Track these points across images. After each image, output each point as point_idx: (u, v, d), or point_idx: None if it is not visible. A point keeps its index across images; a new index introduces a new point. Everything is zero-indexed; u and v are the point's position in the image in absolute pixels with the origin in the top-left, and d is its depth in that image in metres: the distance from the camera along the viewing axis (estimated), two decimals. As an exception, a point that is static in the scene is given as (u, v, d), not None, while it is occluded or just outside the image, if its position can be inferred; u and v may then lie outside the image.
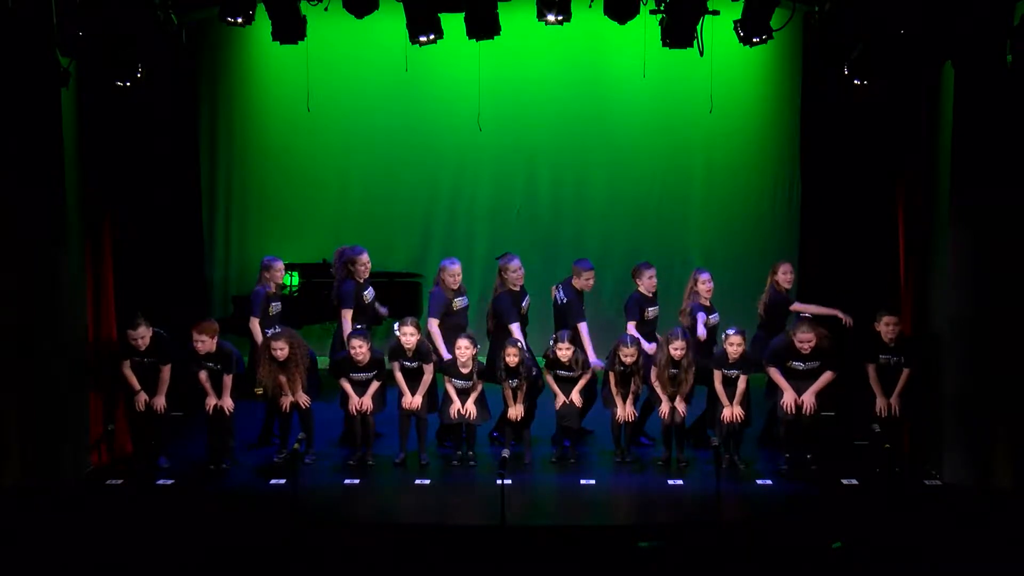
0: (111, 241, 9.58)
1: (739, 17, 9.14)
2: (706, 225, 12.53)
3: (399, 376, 9.32)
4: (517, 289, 9.71)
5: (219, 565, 7.59)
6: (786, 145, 12.35)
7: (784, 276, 9.77)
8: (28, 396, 8.76)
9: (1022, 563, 7.54)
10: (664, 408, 9.23)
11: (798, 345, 9.01)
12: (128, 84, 9.16)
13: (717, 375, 9.23)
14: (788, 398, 9.08)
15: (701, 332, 9.45)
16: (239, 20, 9.17)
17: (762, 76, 12.36)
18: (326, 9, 9.16)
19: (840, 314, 9.68)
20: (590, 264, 9.77)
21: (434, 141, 12.50)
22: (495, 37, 9.22)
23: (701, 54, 9.18)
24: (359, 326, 9.60)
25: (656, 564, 7.57)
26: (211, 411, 9.25)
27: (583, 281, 9.71)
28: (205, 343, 9.17)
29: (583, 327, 9.61)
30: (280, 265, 9.95)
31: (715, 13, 9.22)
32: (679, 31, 9.10)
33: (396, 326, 9.34)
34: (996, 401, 8.74)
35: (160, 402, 9.24)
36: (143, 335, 9.12)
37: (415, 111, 12.43)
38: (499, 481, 7.58)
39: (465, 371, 9.26)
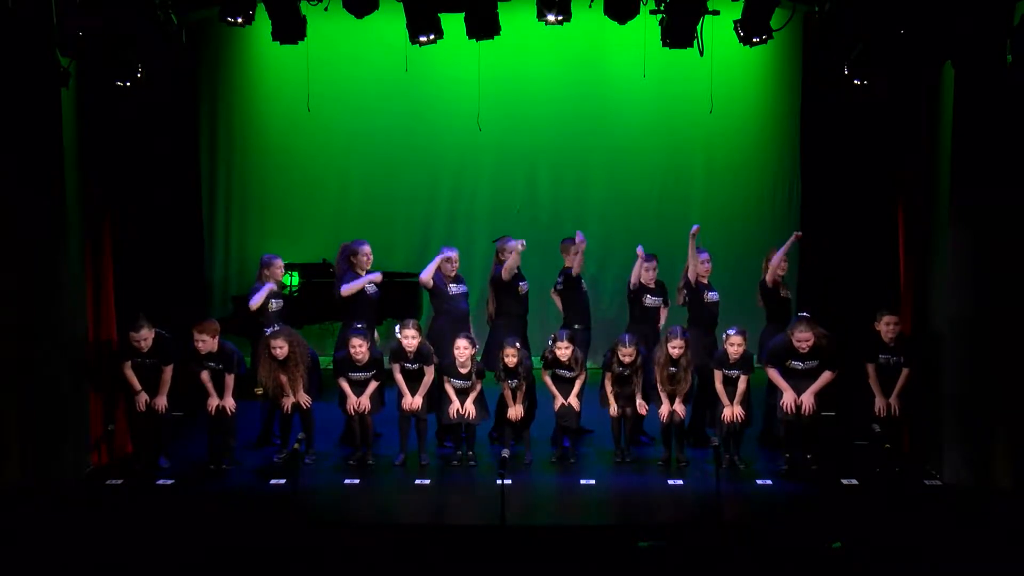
0: (111, 241, 9.58)
1: (739, 17, 9.14)
2: (706, 224, 12.39)
3: (399, 377, 9.32)
4: (516, 271, 9.87)
5: (219, 565, 7.58)
6: (786, 145, 12.37)
7: (780, 264, 9.76)
8: (28, 396, 8.75)
9: (1022, 563, 7.54)
10: (664, 409, 9.23)
11: (796, 344, 9.01)
12: (128, 84, 9.16)
13: (718, 375, 9.23)
14: (788, 398, 9.07)
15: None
16: (239, 20, 9.18)
17: (762, 76, 12.37)
18: (326, 9, 9.16)
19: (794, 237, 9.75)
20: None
21: (434, 141, 12.52)
22: (495, 37, 9.23)
23: (701, 54, 9.18)
24: (359, 325, 9.60)
25: (656, 564, 7.57)
26: (213, 411, 9.25)
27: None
28: (206, 342, 9.17)
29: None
30: (279, 262, 9.94)
31: (715, 13, 9.22)
32: (679, 31, 9.10)
33: (397, 328, 9.34)
34: (996, 401, 8.74)
35: (161, 402, 9.23)
36: (145, 337, 9.11)
37: (415, 111, 12.44)
38: (499, 481, 7.58)
39: (464, 371, 9.26)
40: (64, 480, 8.85)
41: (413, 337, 9.24)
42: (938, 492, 8.80)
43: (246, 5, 9.13)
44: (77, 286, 9.08)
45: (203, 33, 11.63)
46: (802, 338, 8.99)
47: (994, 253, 8.69)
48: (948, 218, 8.83)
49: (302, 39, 9.26)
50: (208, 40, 11.93)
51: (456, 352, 9.23)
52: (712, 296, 9.77)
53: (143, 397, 9.21)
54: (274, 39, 9.22)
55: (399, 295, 11.54)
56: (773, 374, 9.18)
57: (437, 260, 9.75)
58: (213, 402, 9.24)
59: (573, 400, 9.36)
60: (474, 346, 9.32)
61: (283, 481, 8.94)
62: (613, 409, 9.33)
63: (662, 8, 9.08)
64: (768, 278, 9.70)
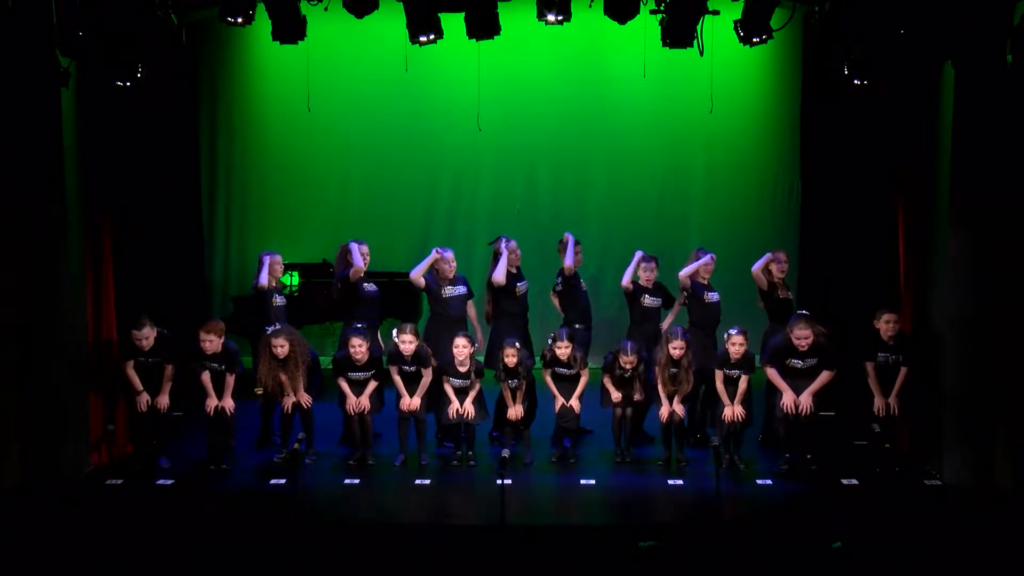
0: (111, 241, 9.58)
1: (739, 17, 9.14)
2: (706, 225, 12.54)
3: (397, 379, 9.32)
4: (513, 271, 9.86)
5: (219, 565, 7.59)
6: (786, 145, 12.37)
7: (777, 265, 9.77)
8: (28, 396, 8.75)
9: (1022, 563, 7.54)
10: (664, 409, 9.23)
11: (795, 342, 9.01)
12: (128, 84, 9.15)
13: (719, 375, 9.23)
14: (787, 398, 9.07)
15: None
16: (239, 20, 9.17)
17: (762, 76, 12.37)
18: (326, 9, 9.16)
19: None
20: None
21: (434, 141, 12.52)
22: (495, 37, 9.22)
23: (701, 54, 9.18)
24: (359, 324, 9.60)
25: (656, 564, 7.57)
26: (212, 412, 9.25)
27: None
28: (213, 342, 9.17)
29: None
30: (278, 259, 9.93)
31: (715, 13, 9.22)
32: (679, 31, 9.10)
33: (395, 333, 9.33)
34: (996, 401, 8.74)
35: (163, 401, 9.23)
36: (147, 336, 9.11)
37: (415, 111, 12.45)
38: (499, 481, 7.58)
39: (463, 369, 9.26)
40: (64, 480, 8.85)
41: (410, 342, 9.24)
42: (938, 492, 8.80)
43: (246, 5, 9.13)
44: (77, 286, 9.08)
45: (203, 33, 11.62)
46: (801, 336, 8.99)
47: (994, 253, 8.69)
48: (948, 218, 8.83)
49: (302, 39, 9.26)
50: (208, 40, 11.93)
51: (455, 351, 9.23)
52: (712, 297, 9.78)
53: (144, 397, 9.21)
54: (274, 39, 9.21)
55: (399, 295, 11.54)
56: (772, 374, 9.18)
57: (429, 259, 9.72)
58: (212, 403, 9.24)
59: (574, 401, 9.36)
60: (473, 345, 9.32)
61: (283, 481, 8.94)
62: (616, 396, 9.32)
63: (662, 8, 9.08)
64: (758, 284, 9.71)
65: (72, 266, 8.97)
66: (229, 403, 9.26)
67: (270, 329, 9.50)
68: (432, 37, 9.29)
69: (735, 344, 9.13)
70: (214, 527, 8.14)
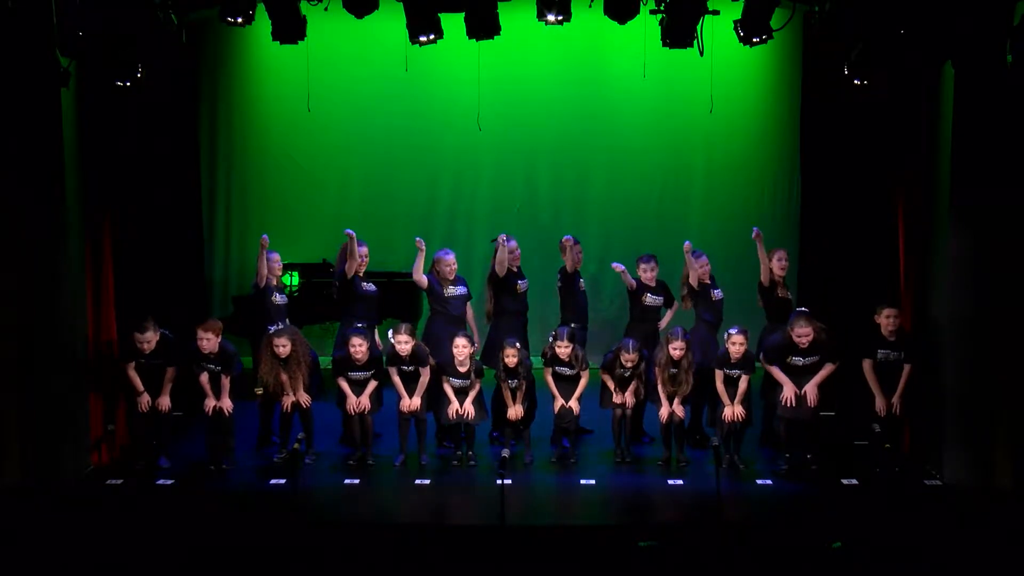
0: (111, 241, 9.58)
1: (739, 17, 9.14)
2: (706, 225, 12.53)
3: (396, 380, 9.32)
4: (514, 270, 9.87)
5: (219, 565, 7.59)
6: (786, 145, 12.36)
7: (778, 264, 9.78)
8: (28, 396, 8.75)
9: (1022, 563, 7.54)
10: (663, 410, 9.23)
11: (796, 339, 9.01)
12: (128, 84, 9.16)
13: (719, 375, 9.23)
14: (788, 391, 9.06)
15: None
16: (239, 20, 9.17)
17: (762, 76, 12.37)
18: (326, 9, 9.17)
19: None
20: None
21: (434, 141, 12.51)
22: (495, 37, 9.22)
23: (701, 54, 9.18)
24: (359, 324, 9.60)
25: (656, 564, 7.57)
26: (210, 412, 9.25)
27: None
28: (210, 341, 9.17)
29: None
30: (276, 257, 9.93)
31: (715, 13, 9.22)
32: (679, 31, 9.10)
33: (390, 334, 9.33)
34: (996, 401, 8.74)
35: (164, 402, 9.24)
36: (150, 339, 9.11)
37: (415, 111, 12.44)
38: (499, 481, 7.58)
39: (463, 369, 9.26)
40: (64, 480, 8.85)
41: (406, 342, 9.24)
42: (938, 492, 8.80)
43: (246, 5, 9.12)
44: (77, 286, 9.08)
45: (203, 33, 11.62)
46: (802, 333, 8.98)
47: (994, 253, 8.69)
48: (948, 218, 8.83)
49: (302, 39, 9.26)
50: (208, 40, 11.92)
51: (455, 351, 9.23)
52: (717, 294, 9.79)
53: (145, 398, 9.21)
54: (274, 39, 9.21)
55: (399, 295, 11.54)
56: (774, 370, 9.17)
57: (420, 255, 9.71)
58: (210, 403, 9.24)
59: (573, 403, 9.35)
60: (473, 345, 9.33)
61: (283, 481, 8.94)
62: (618, 397, 9.32)
63: (662, 8, 9.08)
64: (762, 276, 9.73)
65: (72, 266, 8.97)
66: (227, 404, 9.26)
67: (273, 328, 9.49)
68: (432, 37, 9.29)
69: (735, 344, 9.13)
70: (214, 527, 8.14)
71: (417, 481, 9.01)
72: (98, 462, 9.37)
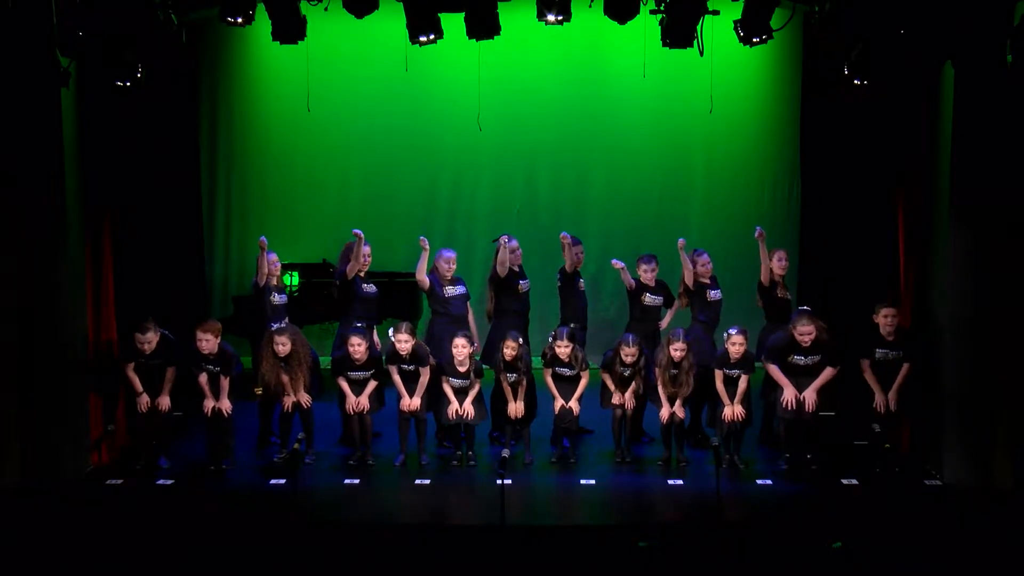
0: (111, 241, 9.58)
1: (739, 17, 9.14)
2: (706, 225, 12.53)
3: (397, 379, 9.32)
4: (516, 269, 9.88)
5: (219, 565, 7.59)
6: (786, 145, 12.37)
7: (778, 264, 9.78)
8: (28, 396, 8.75)
9: (1022, 563, 7.54)
10: (664, 410, 9.23)
11: (799, 338, 9.00)
12: (128, 84, 9.16)
13: (719, 374, 9.23)
14: (788, 394, 9.06)
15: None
16: (239, 20, 9.17)
17: (762, 76, 12.37)
18: (326, 9, 9.17)
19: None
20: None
21: (434, 141, 12.51)
22: (495, 37, 9.22)
23: (701, 54, 9.18)
24: (359, 324, 9.59)
25: (656, 564, 7.57)
26: (209, 413, 9.25)
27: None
28: (209, 342, 9.17)
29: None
30: (275, 258, 9.92)
31: (715, 13, 9.22)
32: (679, 31, 9.10)
33: (391, 332, 9.33)
34: (996, 401, 8.74)
35: (164, 402, 9.24)
36: (151, 339, 9.11)
37: (415, 111, 12.44)
38: (499, 481, 7.58)
39: (462, 370, 9.26)
40: (64, 480, 8.85)
41: (406, 341, 9.24)
42: (938, 492, 8.80)
43: (246, 5, 9.12)
44: (77, 286, 9.08)
45: (203, 33, 11.62)
46: (804, 331, 8.98)
47: (994, 253, 8.69)
48: (948, 218, 8.83)
49: (302, 39, 9.25)
50: (208, 40, 11.92)
51: (455, 351, 9.23)
52: (715, 295, 9.79)
53: (144, 399, 9.21)
54: (274, 39, 9.21)
55: (399, 295, 11.54)
56: (774, 370, 9.17)
57: (424, 257, 9.71)
58: (209, 404, 9.24)
59: (573, 403, 9.35)
60: (472, 345, 9.32)
61: (283, 481, 8.94)
62: (617, 398, 9.32)
63: (662, 8, 9.08)
64: (762, 276, 9.73)
65: (72, 266, 8.97)
66: (226, 404, 9.26)
67: (274, 326, 9.48)
68: (432, 37, 9.29)
69: (735, 344, 9.13)
70: (214, 527, 8.14)
71: (417, 481, 9.01)
72: (98, 462, 9.37)
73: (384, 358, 9.50)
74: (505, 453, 8.28)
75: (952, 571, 7.49)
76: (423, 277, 9.73)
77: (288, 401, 9.34)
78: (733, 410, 9.16)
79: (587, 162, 12.64)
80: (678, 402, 9.23)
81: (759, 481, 8.98)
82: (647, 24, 9.49)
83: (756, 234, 9.72)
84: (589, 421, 9.89)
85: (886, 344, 9.11)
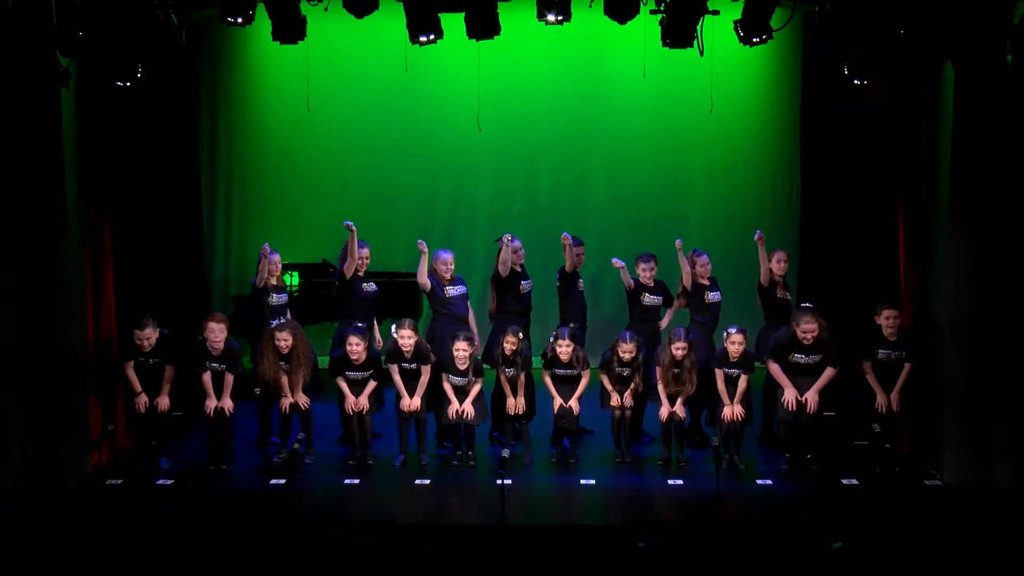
0: (111, 241, 9.58)
1: (739, 17, 9.15)
2: (706, 225, 12.54)
3: (397, 379, 9.32)
4: (517, 269, 9.88)
5: (219, 565, 7.59)
6: (786, 145, 12.37)
7: (778, 264, 9.78)
8: (28, 396, 8.75)
9: (1022, 563, 7.54)
10: (664, 410, 9.23)
11: (801, 335, 8.99)
12: (128, 84, 9.16)
13: (719, 374, 9.23)
14: (789, 395, 9.06)
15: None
16: (239, 20, 9.18)
17: (762, 76, 12.38)
18: (326, 9, 9.17)
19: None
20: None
21: (434, 141, 12.52)
22: (495, 37, 9.23)
23: (701, 54, 9.19)
24: (358, 324, 9.59)
25: (656, 564, 7.57)
26: (211, 413, 9.25)
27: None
28: (221, 332, 9.17)
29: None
30: (276, 258, 9.92)
31: (715, 13, 9.22)
32: (679, 31, 9.11)
33: (393, 328, 9.34)
34: (996, 401, 8.74)
35: (164, 402, 9.24)
36: (149, 336, 9.11)
37: (415, 111, 12.45)
38: (499, 481, 7.57)
39: (462, 368, 9.26)
40: (64, 480, 8.85)
41: (409, 337, 9.24)
42: (938, 492, 8.80)
43: (246, 5, 9.13)
44: (77, 286, 9.08)
45: (203, 33, 11.63)
46: (807, 329, 8.97)
47: (994, 253, 8.69)
48: (948, 218, 8.83)
49: (302, 39, 9.26)
50: (208, 40, 11.93)
51: (454, 351, 9.23)
52: (713, 296, 9.79)
53: (143, 399, 9.21)
54: (274, 39, 9.22)
55: (399, 295, 11.54)
56: (775, 369, 9.17)
57: (424, 259, 9.71)
58: (211, 403, 9.23)
59: (573, 403, 9.35)
60: (473, 345, 9.32)
61: (283, 481, 8.94)
62: (616, 400, 9.32)
63: (662, 8, 9.09)
64: (762, 278, 9.73)
65: (72, 266, 8.97)
66: (228, 403, 9.25)
67: (275, 323, 9.48)
68: (432, 37, 9.30)
69: (735, 343, 9.13)
70: (214, 527, 8.14)
71: (417, 481, 9.01)
72: (98, 462, 9.37)
73: (384, 357, 9.50)
74: (505, 453, 8.28)
75: (952, 571, 7.49)
76: (424, 280, 9.72)
77: (286, 402, 9.34)
78: (733, 410, 9.16)
79: (587, 162, 12.65)
80: (678, 402, 9.23)
81: (759, 481, 8.98)
82: (647, 24, 9.50)
83: (755, 237, 9.72)
84: (589, 421, 9.89)
85: (888, 345, 9.11)
